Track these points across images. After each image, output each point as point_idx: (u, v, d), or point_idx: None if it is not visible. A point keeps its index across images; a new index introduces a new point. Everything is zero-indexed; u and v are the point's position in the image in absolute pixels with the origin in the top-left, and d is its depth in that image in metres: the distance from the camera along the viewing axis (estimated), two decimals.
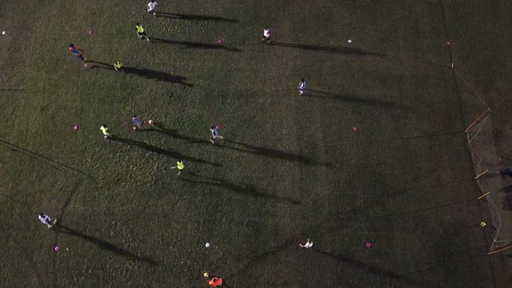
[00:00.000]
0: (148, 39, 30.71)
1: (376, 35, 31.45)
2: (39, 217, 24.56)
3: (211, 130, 26.90)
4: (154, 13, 31.56)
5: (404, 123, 28.68)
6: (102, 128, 27.10)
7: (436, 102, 29.32)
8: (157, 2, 32.05)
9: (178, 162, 25.88)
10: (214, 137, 27.06)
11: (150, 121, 27.92)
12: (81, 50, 28.79)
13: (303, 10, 32.26)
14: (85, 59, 29.79)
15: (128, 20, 31.73)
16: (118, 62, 28.90)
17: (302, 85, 28.04)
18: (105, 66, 29.48)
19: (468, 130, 28.41)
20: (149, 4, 30.91)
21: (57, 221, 25.55)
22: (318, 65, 30.38)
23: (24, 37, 31.07)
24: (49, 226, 25.35)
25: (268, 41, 30.77)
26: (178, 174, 26.69)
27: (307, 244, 24.52)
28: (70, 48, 28.16)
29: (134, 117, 27.00)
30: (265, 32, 29.92)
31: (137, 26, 29.69)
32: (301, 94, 29.15)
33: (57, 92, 29.37)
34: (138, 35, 30.60)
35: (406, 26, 31.78)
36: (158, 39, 30.71)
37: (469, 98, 29.46)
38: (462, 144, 28.11)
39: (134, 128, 28.13)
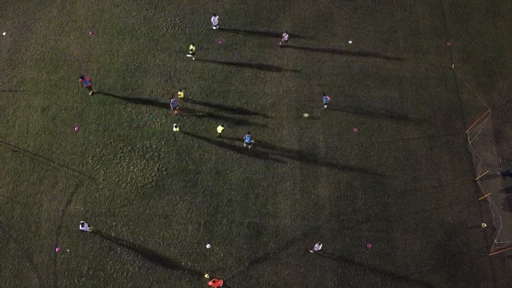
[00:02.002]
0: (193, 58, 30.26)
1: (376, 36, 31.45)
2: (80, 226, 24.63)
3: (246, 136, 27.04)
4: (218, 27, 30.95)
5: (405, 124, 28.67)
6: (219, 127, 27.25)
7: (436, 103, 29.32)
8: (218, 15, 31.46)
9: (218, 127, 27.17)
10: (247, 143, 27.23)
11: (179, 92, 28.14)
12: (90, 81, 27.94)
13: (304, 11, 32.26)
14: (92, 90, 29.05)
15: (129, 21, 31.73)
16: (180, 92, 28.19)
17: (325, 99, 27.84)
18: (116, 97, 28.93)
19: (469, 131, 28.40)
20: (212, 20, 30.26)
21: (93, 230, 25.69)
22: (318, 66, 30.37)
23: (24, 38, 31.06)
24: (90, 229, 25.48)
25: (284, 43, 30.63)
26: (218, 135, 27.63)
27: (316, 246, 24.46)
28: (80, 79, 27.48)
29: (172, 98, 27.32)
30: (286, 36, 29.76)
31: (191, 46, 29.21)
32: (325, 108, 28.94)
33: (57, 93, 29.36)
34: (189, 53, 30.22)
35: (406, 27, 31.78)
36: (203, 59, 30.35)
37: (469, 99, 29.46)
38: (463, 145, 28.11)
39: (176, 112, 28.38)
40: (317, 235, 25.66)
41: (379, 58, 30.68)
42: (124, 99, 29.16)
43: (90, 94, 29.05)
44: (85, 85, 28.01)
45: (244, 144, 27.85)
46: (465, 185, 27.05)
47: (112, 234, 25.57)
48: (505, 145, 28.17)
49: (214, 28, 31.18)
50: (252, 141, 27.03)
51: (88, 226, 25.27)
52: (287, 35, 29.90)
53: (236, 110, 28.97)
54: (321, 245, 24.55)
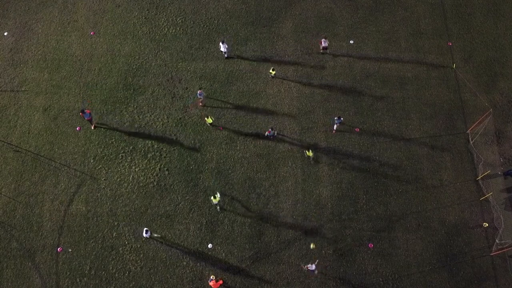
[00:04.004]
0: (272, 77, 29.77)
1: (378, 36, 31.47)
2: (143, 233, 24.39)
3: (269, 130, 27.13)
4: (226, 55, 30.14)
5: (406, 124, 28.70)
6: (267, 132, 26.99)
7: (438, 103, 29.34)
8: (227, 44, 30.42)
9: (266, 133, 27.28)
10: (269, 135, 27.27)
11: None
12: (91, 114, 27.42)
13: (305, 11, 32.28)
14: (94, 124, 28.37)
15: (130, 21, 31.77)
16: (208, 117, 27.62)
17: (338, 120, 27.06)
18: (113, 129, 28.30)
19: (470, 131, 28.43)
20: (220, 47, 29.60)
21: (161, 236, 25.61)
22: (320, 65, 30.39)
23: (26, 38, 31.10)
24: (155, 235, 25.44)
25: (323, 51, 30.26)
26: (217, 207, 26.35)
27: (309, 266, 23.48)
28: (81, 113, 26.87)
29: (200, 89, 27.27)
30: (324, 42, 29.42)
31: (271, 71, 28.66)
32: (335, 131, 28.25)
33: (59, 93, 29.40)
34: (269, 76, 29.72)
35: (407, 27, 31.81)
36: (283, 78, 29.83)
37: (471, 99, 29.48)
38: (464, 145, 28.13)
39: (201, 104, 28.47)
40: (319, 235, 25.68)
41: (381, 58, 30.70)
42: (126, 98, 29.21)
43: (92, 128, 28.28)
44: (86, 118, 27.24)
45: (266, 134, 27.60)
46: (466, 185, 27.07)
47: (114, 234, 25.59)
48: (506, 145, 28.19)
49: (225, 56, 30.16)
50: (272, 133, 26.99)
51: (152, 232, 25.15)
52: (326, 41, 29.35)
53: (237, 110, 28.99)
54: (314, 265, 23.27)
